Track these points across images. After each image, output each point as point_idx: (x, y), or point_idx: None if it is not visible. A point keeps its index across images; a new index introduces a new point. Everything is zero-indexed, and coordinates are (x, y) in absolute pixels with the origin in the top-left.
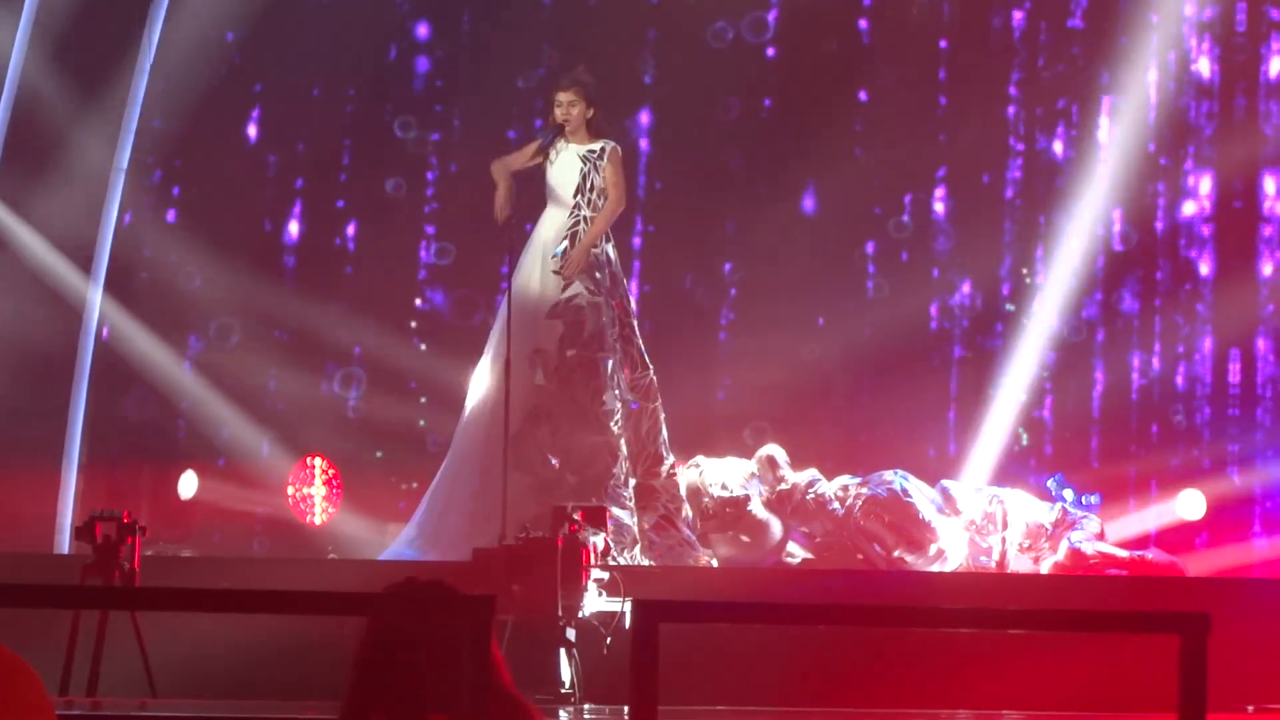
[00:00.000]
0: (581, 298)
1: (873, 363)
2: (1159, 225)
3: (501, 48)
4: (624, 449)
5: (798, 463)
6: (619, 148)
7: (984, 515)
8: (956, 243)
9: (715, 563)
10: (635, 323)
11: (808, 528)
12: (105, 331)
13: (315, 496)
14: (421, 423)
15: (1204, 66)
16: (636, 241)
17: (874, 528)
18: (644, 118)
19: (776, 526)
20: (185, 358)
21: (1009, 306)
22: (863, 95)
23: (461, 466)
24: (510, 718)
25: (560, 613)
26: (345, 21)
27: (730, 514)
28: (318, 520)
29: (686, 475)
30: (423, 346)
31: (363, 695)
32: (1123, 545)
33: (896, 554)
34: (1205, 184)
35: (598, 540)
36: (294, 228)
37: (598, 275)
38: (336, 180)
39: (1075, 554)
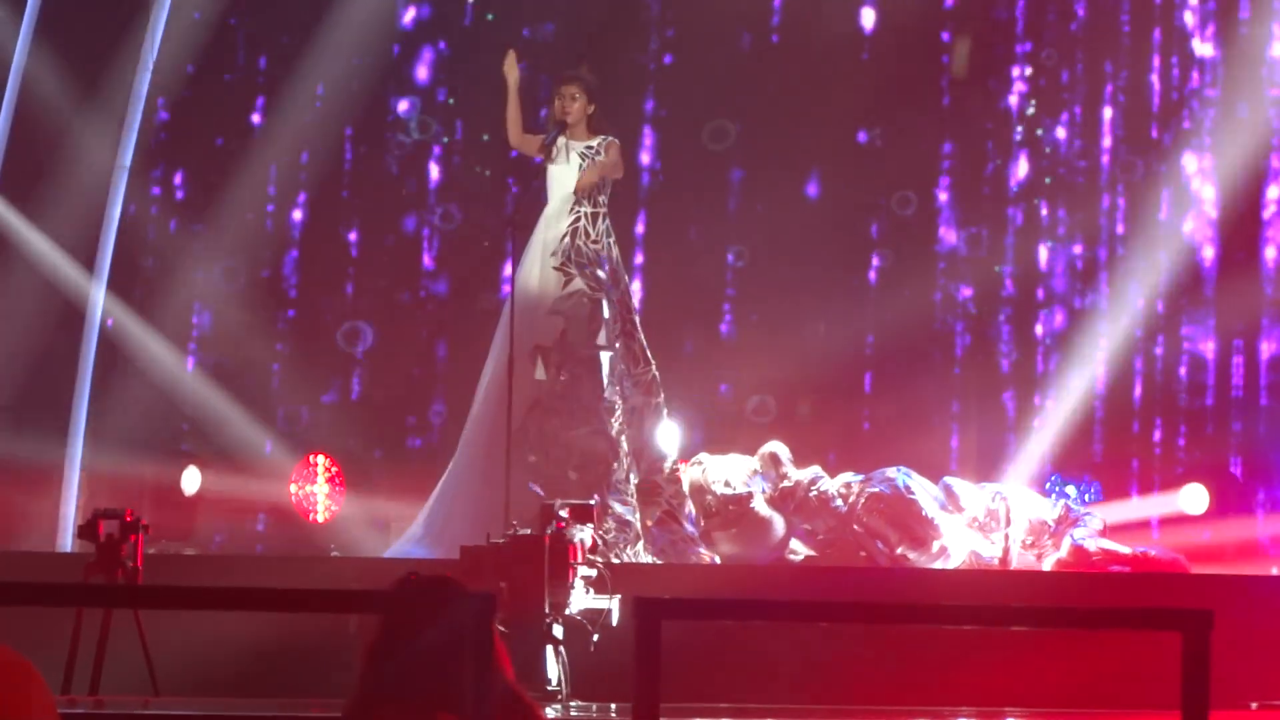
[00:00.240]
0: (582, 294)
1: (877, 357)
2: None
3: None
4: (625, 445)
5: (800, 460)
6: (617, 141)
7: (987, 512)
8: (961, 235)
9: (718, 560)
10: (637, 318)
11: (810, 525)
12: (109, 324)
13: (318, 494)
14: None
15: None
16: (638, 238)
17: (877, 525)
18: (648, 105)
19: (779, 524)
20: (188, 355)
21: (1010, 304)
22: (868, 84)
23: (467, 465)
24: (513, 714)
25: (547, 610)
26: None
27: (733, 511)
28: (320, 518)
29: (689, 472)
30: (427, 339)
31: (370, 691)
32: (1125, 541)
33: (899, 551)
34: (1209, 191)
35: (585, 537)
36: (297, 215)
37: (599, 271)
38: (340, 170)
39: (1078, 551)
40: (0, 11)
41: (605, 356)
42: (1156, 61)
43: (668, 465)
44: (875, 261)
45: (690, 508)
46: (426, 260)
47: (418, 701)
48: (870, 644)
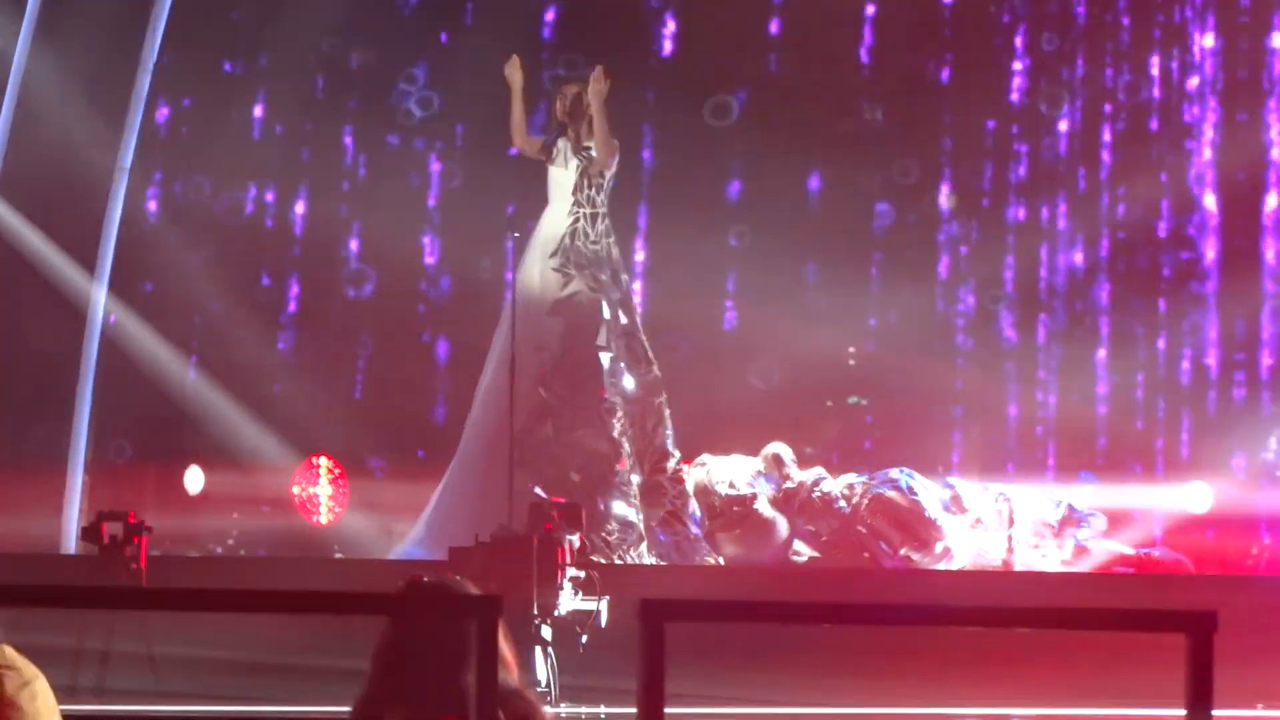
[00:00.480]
0: (582, 295)
1: (881, 358)
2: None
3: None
4: (628, 446)
5: (803, 461)
6: (616, 143)
7: (991, 513)
8: (963, 237)
9: (721, 561)
10: (638, 319)
11: (814, 526)
12: (110, 325)
13: (321, 496)
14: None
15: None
16: (639, 239)
17: (880, 526)
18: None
19: (783, 524)
20: (191, 356)
21: (1012, 303)
22: (868, 75)
23: (469, 466)
24: (519, 716)
25: (535, 611)
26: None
27: (737, 512)
28: (323, 520)
29: (693, 473)
30: (429, 339)
31: (377, 693)
32: (1128, 542)
33: (903, 552)
34: (1210, 199)
35: (574, 539)
36: (299, 208)
37: (599, 273)
38: (341, 169)
39: (1082, 551)
40: (1, 13)
41: (605, 357)
42: (1156, 60)
43: (671, 466)
44: (877, 260)
45: (694, 508)
46: (428, 260)
47: (424, 703)
48: (874, 644)
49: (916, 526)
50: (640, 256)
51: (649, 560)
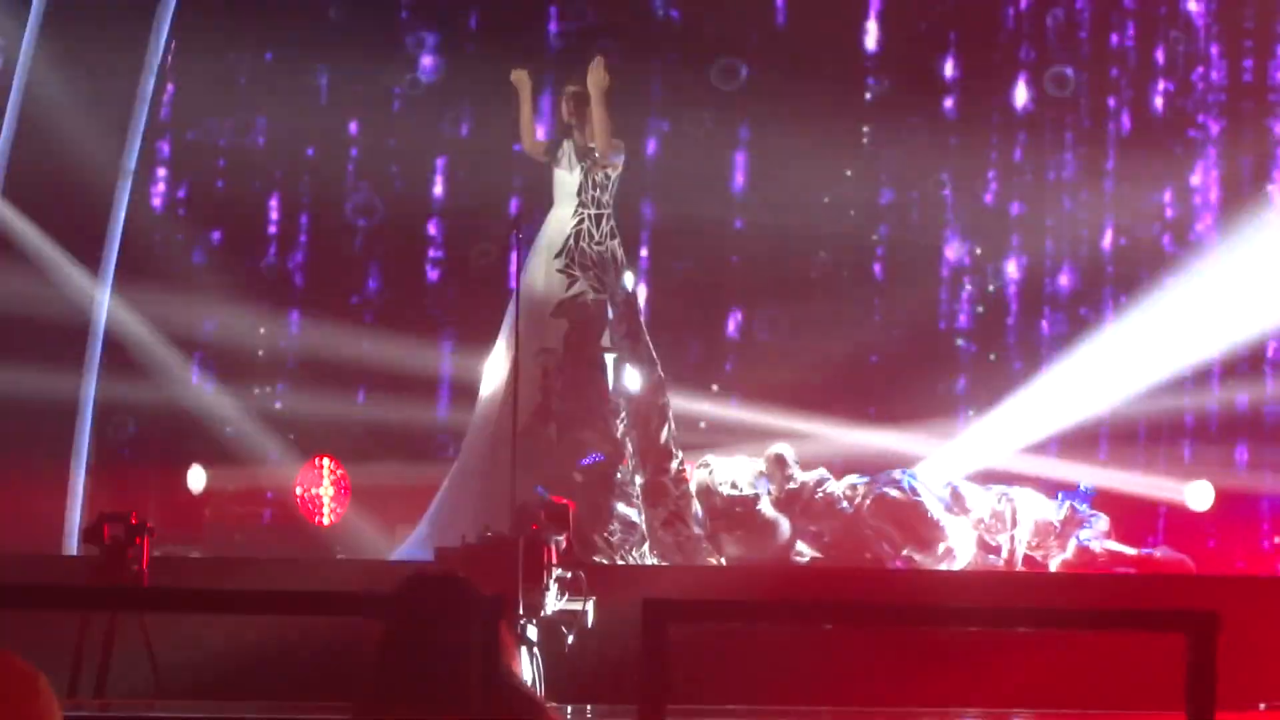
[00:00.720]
0: (586, 295)
1: (883, 359)
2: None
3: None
4: (630, 446)
5: (806, 462)
6: (620, 143)
7: (992, 514)
8: (965, 237)
9: (724, 561)
10: (642, 320)
11: (816, 527)
12: (113, 329)
13: (324, 497)
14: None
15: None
16: (643, 240)
17: (883, 526)
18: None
19: (785, 525)
20: (194, 356)
21: (1014, 304)
22: (870, 81)
23: (472, 466)
24: (522, 713)
25: (521, 611)
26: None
27: (739, 513)
28: (326, 521)
29: (696, 474)
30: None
31: (380, 691)
32: (1131, 543)
33: (905, 553)
34: (1215, 195)
35: (560, 539)
36: (303, 217)
37: (604, 274)
38: (344, 169)
39: (1084, 552)
40: (4, 14)
41: (610, 358)
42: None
43: (674, 466)
44: (879, 258)
45: (697, 509)
46: (430, 260)
47: (427, 701)
48: (876, 645)
49: (919, 527)
50: (645, 259)
51: (651, 561)
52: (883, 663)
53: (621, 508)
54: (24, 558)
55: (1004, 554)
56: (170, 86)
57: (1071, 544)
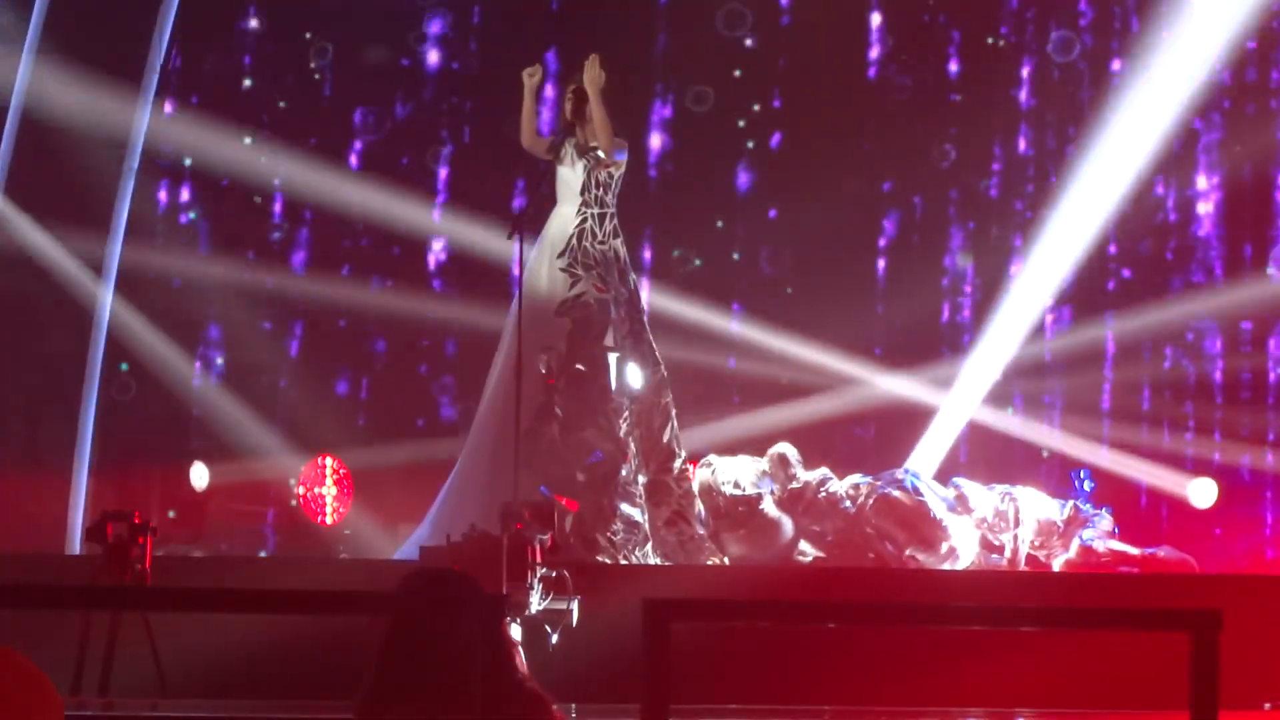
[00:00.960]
0: (589, 295)
1: (885, 358)
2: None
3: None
4: (633, 446)
5: (809, 461)
6: (625, 143)
7: (996, 513)
8: (966, 234)
9: (727, 561)
10: (645, 319)
11: (819, 526)
12: (116, 327)
13: (326, 496)
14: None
15: None
16: (646, 240)
17: (885, 526)
18: (655, 112)
19: (788, 525)
20: (196, 357)
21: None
22: (872, 75)
23: (474, 466)
24: (527, 710)
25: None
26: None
27: (742, 512)
28: (329, 520)
29: (698, 473)
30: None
31: (382, 690)
32: (1134, 542)
33: (908, 552)
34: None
35: (545, 538)
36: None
37: (607, 274)
38: (347, 170)
39: (1087, 551)
40: (8, 14)
41: (612, 358)
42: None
43: (677, 465)
44: (883, 262)
45: (699, 509)
46: (433, 261)
47: (429, 699)
48: (879, 645)
49: (922, 527)
50: (648, 259)
51: (654, 560)
52: (886, 662)
53: (625, 507)
54: (28, 557)
55: (1007, 553)
56: (172, 86)
57: (1074, 543)
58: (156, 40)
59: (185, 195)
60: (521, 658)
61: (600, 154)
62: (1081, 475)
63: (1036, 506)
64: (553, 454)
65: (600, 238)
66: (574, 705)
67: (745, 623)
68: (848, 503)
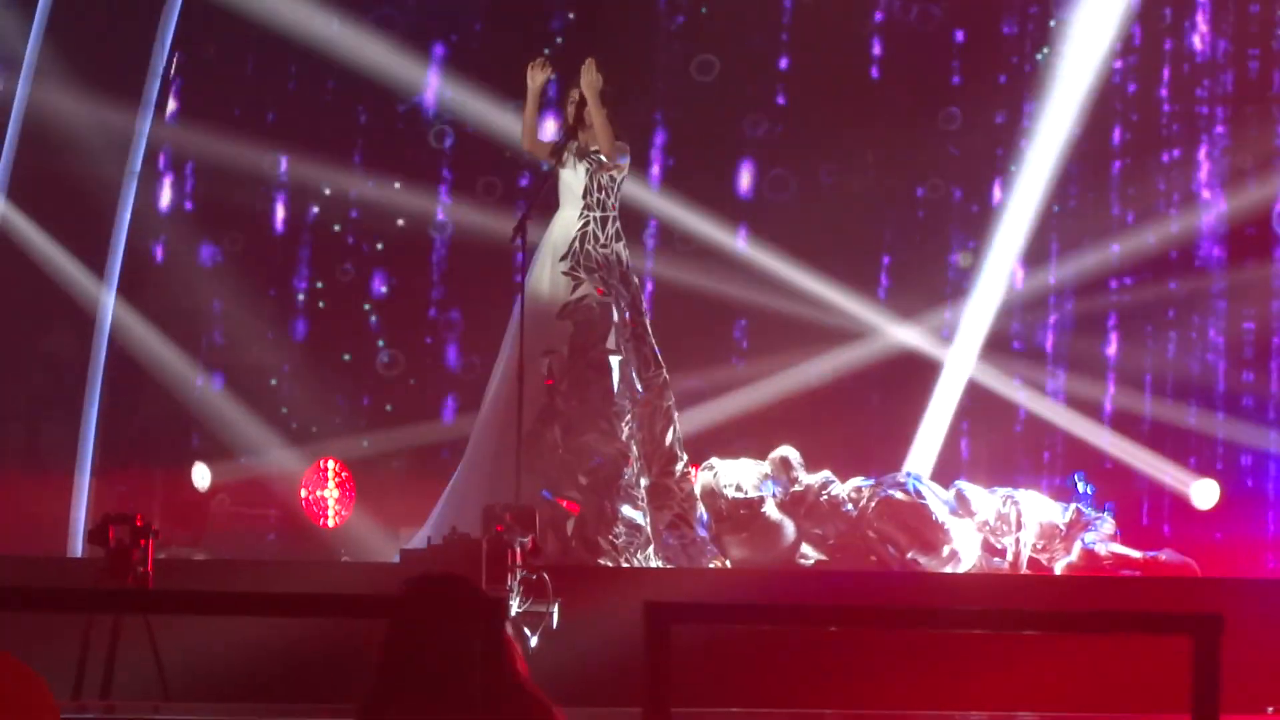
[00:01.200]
0: (591, 299)
1: (887, 364)
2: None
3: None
4: (635, 449)
5: (811, 464)
6: (626, 145)
7: (998, 516)
8: (969, 235)
9: (729, 564)
10: (648, 321)
11: (821, 529)
12: (118, 334)
13: (328, 499)
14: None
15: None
16: (649, 241)
17: (887, 529)
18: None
19: (790, 528)
20: (199, 359)
21: (1019, 306)
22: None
23: (476, 468)
24: (528, 713)
25: None
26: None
27: (744, 515)
28: (330, 523)
29: (700, 476)
30: (436, 343)
31: (384, 693)
32: (1136, 546)
33: (910, 555)
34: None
35: (525, 541)
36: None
37: (609, 277)
38: (350, 170)
39: (1089, 555)
40: (11, 16)
41: (615, 360)
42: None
43: (679, 468)
44: (885, 263)
45: (701, 512)
46: (435, 262)
47: (431, 703)
48: (880, 647)
49: (924, 530)
50: (650, 262)
51: (655, 563)
52: (887, 665)
53: (627, 510)
54: (29, 560)
55: (1009, 557)
56: (175, 86)
57: (1077, 547)
58: (158, 41)
59: (186, 195)
60: (523, 661)
61: (602, 158)
62: (1077, 479)
63: (1038, 510)
64: (554, 457)
65: (602, 241)
66: (575, 708)
67: (747, 625)
68: (849, 506)
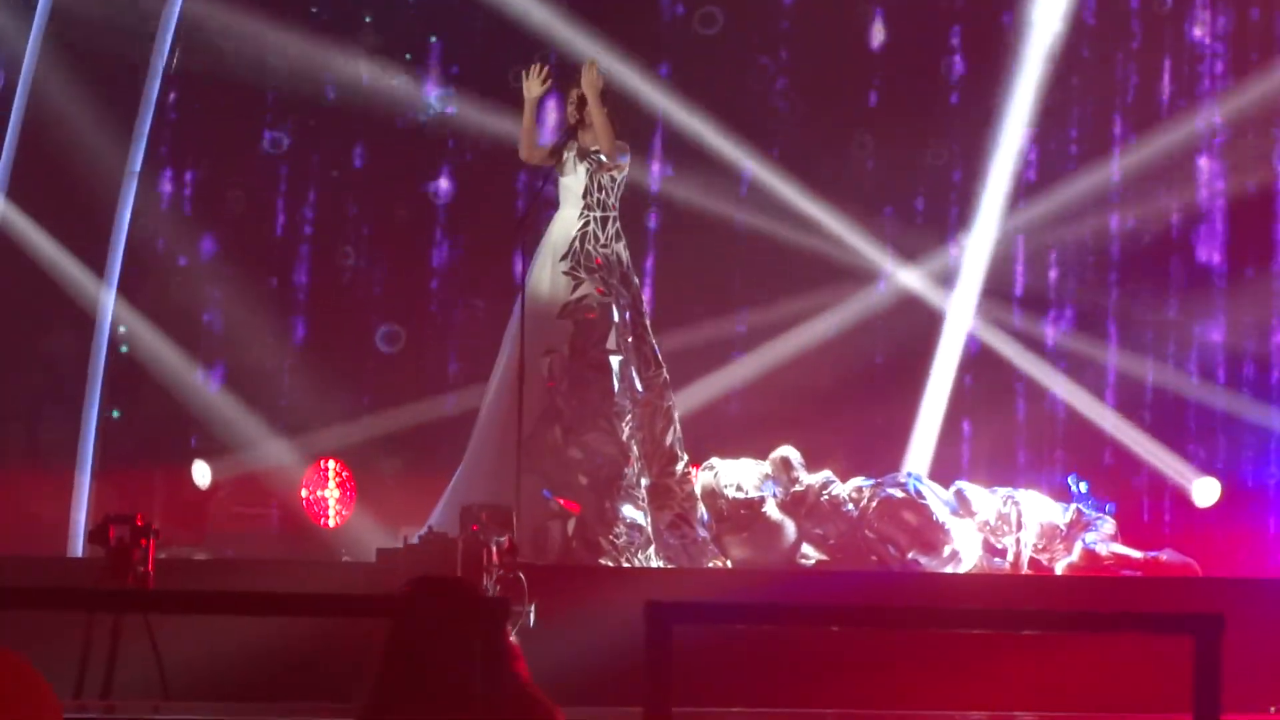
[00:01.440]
0: (591, 299)
1: (886, 363)
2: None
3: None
4: (636, 449)
5: (812, 464)
6: (625, 145)
7: (998, 516)
8: (965, 237)
9: (729, 564)
10: (648, 321)
11: (822, 529)
12: (120, 330)
13: (329, 499)
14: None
15: None
16: (649, 241)
17: (888, 529)
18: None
19: (790, 528)
20: (198, 359)
21: (1019, 307)
22: (873, 98)
23: (477, 467)
24: (530, 716)
25: None
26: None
27: (745, 515)
28: (331, 523)
29: (701, 476)
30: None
31: (385, 695)
32: (1137, 546)
33: (910, 555)
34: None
35: (502, 540)
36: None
37: (609, 277)
38: (350, 171)
39: (1089, 555)
40: (11, 16)
41: (615, 360)
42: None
43: (679, 469)
44: (886, 266)
45: (702, 512)
46: (435, 263)
47: (432, 704)
48: (881, 647)
49: (924, 530)
50: (650, 261)
51: (656, 564)
52: (888, 665)
53: (627, 510)
54: (30, 560)
55: (1010, 557)
56: (175, 86)
57: (1077, 547)
58: (159, 42)
59: (186, 196)
60: (524, 663)
61: (602, 158)
62: (1071, 480)
63: (1039, 510)
64: (555, 457)
65: (603, 241)
66: (575, 708)
67: (747, 625)
68: (850, 506)
